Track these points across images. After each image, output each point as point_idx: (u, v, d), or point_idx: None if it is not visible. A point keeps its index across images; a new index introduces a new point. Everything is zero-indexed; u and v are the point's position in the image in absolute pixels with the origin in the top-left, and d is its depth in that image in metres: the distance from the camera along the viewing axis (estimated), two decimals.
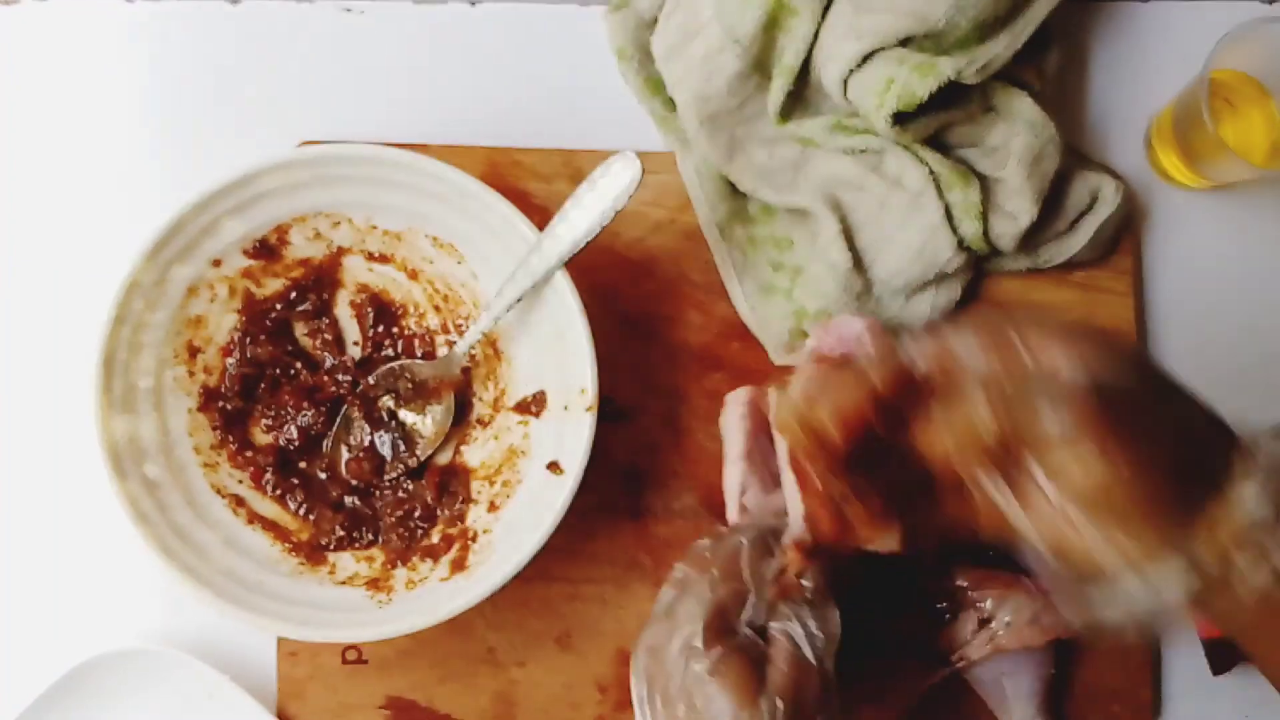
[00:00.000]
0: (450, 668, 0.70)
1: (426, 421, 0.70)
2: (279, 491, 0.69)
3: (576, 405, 0.65)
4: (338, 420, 0.70)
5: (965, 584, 0.67)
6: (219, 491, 0.68)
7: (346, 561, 0.68)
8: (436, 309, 0.71)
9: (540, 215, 0.69)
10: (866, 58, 0.66)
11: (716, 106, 0.70)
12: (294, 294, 0.70)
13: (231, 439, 0.69)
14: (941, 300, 0.72)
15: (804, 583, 0.58)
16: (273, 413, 0.70)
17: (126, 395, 0.65)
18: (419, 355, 0.71)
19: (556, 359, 0.67)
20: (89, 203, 0.74)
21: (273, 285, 0.70)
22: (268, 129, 0.74)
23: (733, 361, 0.73)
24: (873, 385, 0.48)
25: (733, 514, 0.66)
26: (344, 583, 0.67)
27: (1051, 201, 0.71)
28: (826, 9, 0.68)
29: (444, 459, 0.71)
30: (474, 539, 0.67)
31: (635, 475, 0.72)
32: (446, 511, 0.69)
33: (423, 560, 0.68)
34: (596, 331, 0.64)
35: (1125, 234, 0.74)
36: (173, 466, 0.66)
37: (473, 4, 0.76)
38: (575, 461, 0.64)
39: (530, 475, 0.67)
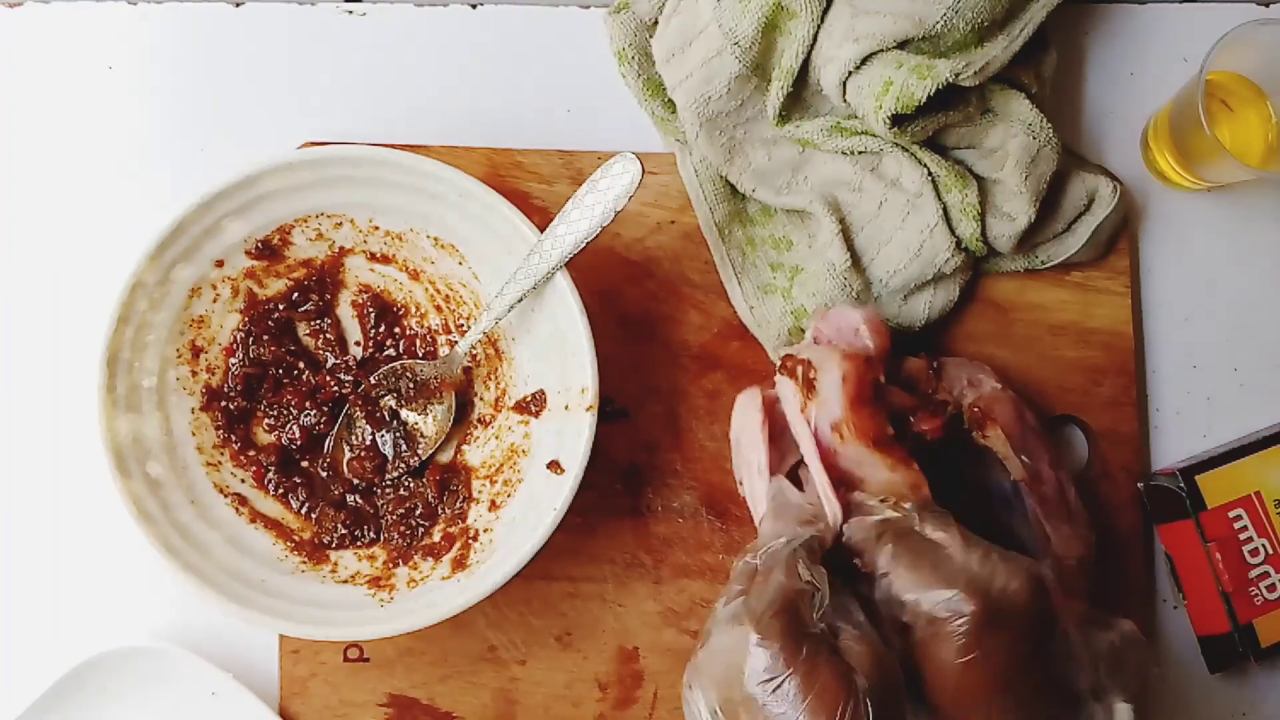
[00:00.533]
0: (451, 666, 0.71)
1: (428, 421, 0.71)
2: (281, 490, 0.69)
3: (577, 405, 0.65)
4: (340, 420, 0.71)
5: None
6: (221, 490, 0.68)
7: (348, 560, 0.68)
8: (438, 309, 0.72)
9: (541, 216, 0.69)
10: (865, 60, 0.67)
11: (716, 108, 0.70)
12: (296, 294, 0.71)
13: (234, 438, 0.69)
14: (939, 300, 0.72)
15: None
16: (275, 412, 0.71)
17: (130, 395, 0.65)
18: (420, 355, 0.72)
19: (557, 359, 0.67)
20: (92, 203, 0.74)
21: (275, 285, 0.70)
22: (270, 130, 0.74)
23: (732, 361, 0.73)
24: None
25: (765, 523, 0.64)
26: (346, 581, 0.67)
27: (1049, 202, 0.71)
28: (825, 11, 0.68)
29: (445, 458, 0.71)
30: (475, 538, 0.68)
31: (635, 474, 0.72)
32: (447, 510, 0.70)
33: (424, 559, 0.68)
34: (597, 331, 0.65)
35: (1122, 235, 0.75)
36: (175, 465, 0.66)
37: (474, 6, 0.76)
38: (576, 461, 0.64)
39: (531, 474, 0.68)
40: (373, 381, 0.71)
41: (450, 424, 0.71)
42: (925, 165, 0.69)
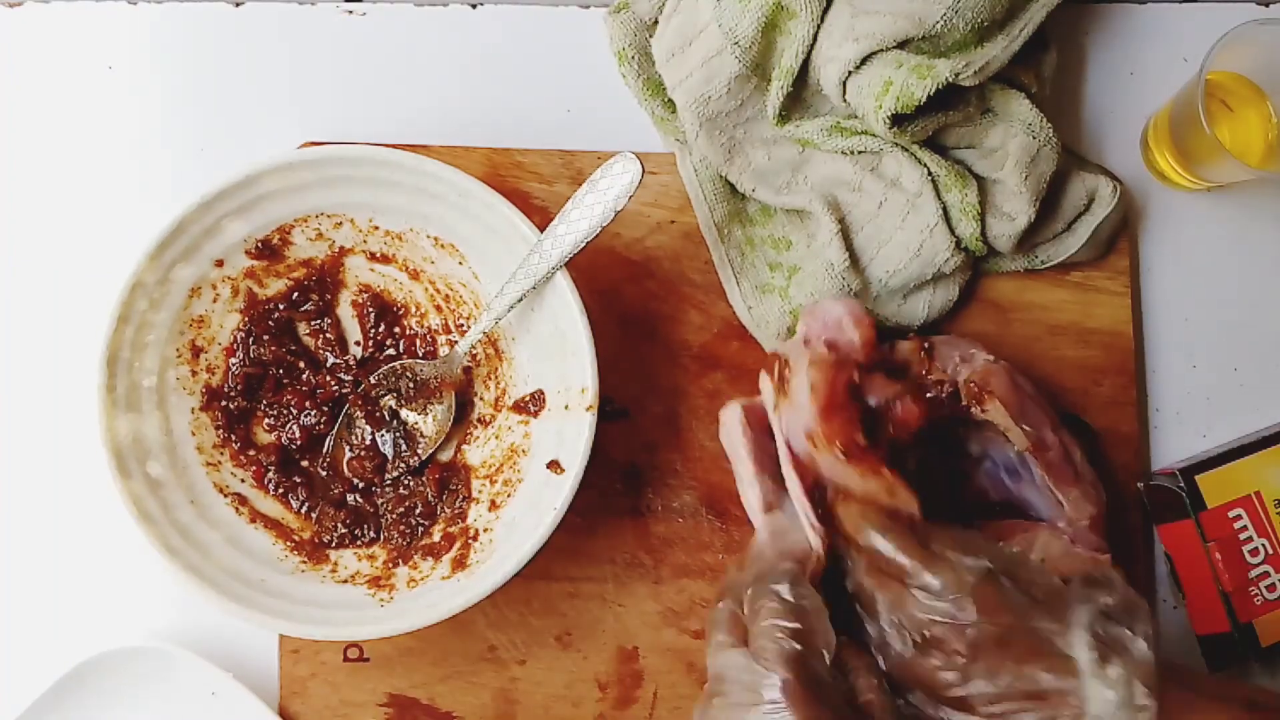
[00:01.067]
0: (451, 666, 0.71)
1: (428, 421, 0.71)
2: (281, 490, 0.69)
3: (577, 405, 0.65)
4: (340, 419, 0.71)
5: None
6: (221, 490, 0.68)
7: (348, 560, 0.68)
8: (438, 309, 0.72)
9: (541, 216, 0.69)
10: (865, 60, 0.67)
11: (716, 108, 0.70)
12: (296, 294, 0.71)
13: (234, 438, 0.69)
14: (939, 300, 0.72)
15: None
16: (275, 412, 0.71)
17: (130, 394, 0.65)
18: (420, 355, 0.72)
19: (557, 359, 0.67)
20: (92, 203, 0.74)
21: (275, 285, 0.70)
22: (270, 130, 0.74)
23: (732, 361, 0.73)
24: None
25: (762, 533, 0.63)
26: (346, 581, 0.67)
27: (1048, 202, 0.71)
28: (825, 11, 0.68)
29: (445, 457, 0.71)
30: (475, 537, 0.68)
31: (635, 474, 0.72)
32: (447, 510, 0.70)
33: (424, 559, 0.68)
34: (597, 331, 0.65)
35: (1122, 235, 0.75)
36: (175, 465, 0.67)
37: (474, 6, 0.76)
38: (575, 460, 0.64)
39: (531, 474, 0.68)
40: (373, 381, 0.71)
41: (450, 424, 0.71)
42: (925, 165, 0.69)
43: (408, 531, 0.69)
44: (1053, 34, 0.73)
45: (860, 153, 0.71)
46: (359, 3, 0.76)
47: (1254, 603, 0.70)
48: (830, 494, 0.61)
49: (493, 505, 0.68)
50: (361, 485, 0.70)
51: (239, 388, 0.69)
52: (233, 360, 0.70)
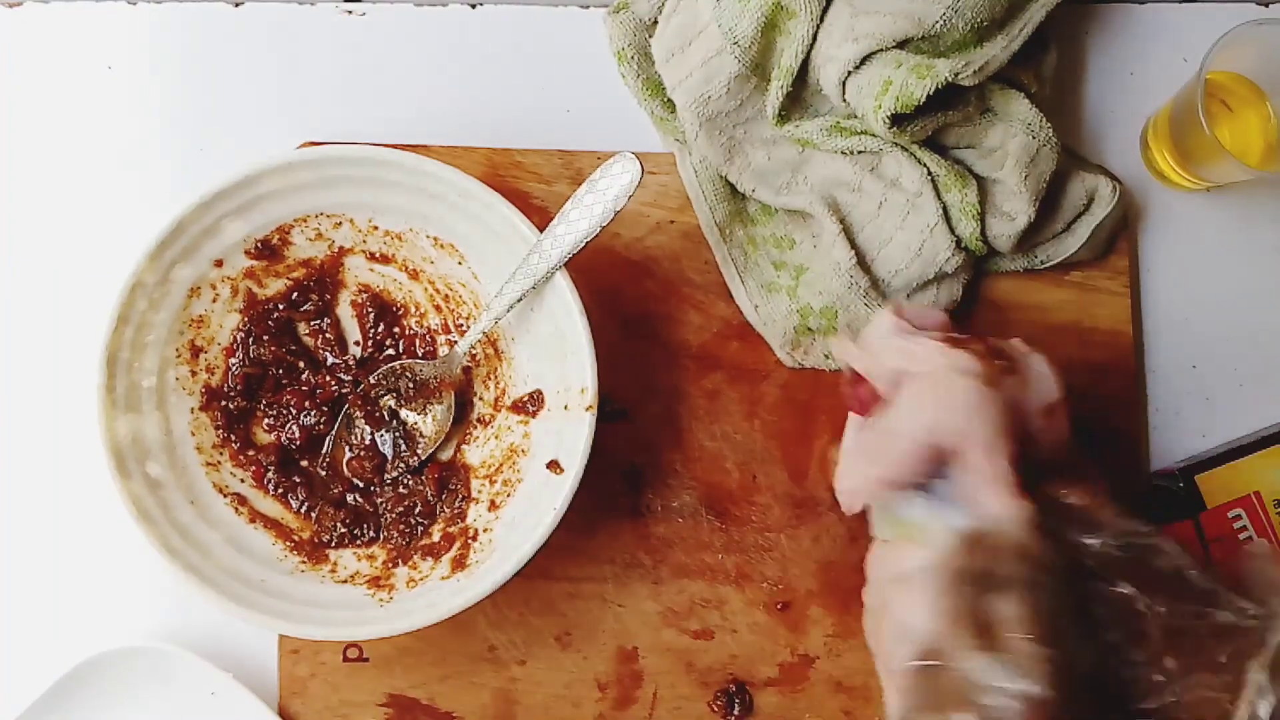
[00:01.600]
0: (451, 666, 0.71)
1: (427, 421, 0.71)
2: (281, 490, 0.69)
3: (576, 405, 0.65)
4: (339, 419, 0.71)
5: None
6: (221, 490, 0.68)
7: (348, 560, 0.68)
8: (437, 309, 0.72)
9: (540, 216, 0.69)
10: (864, 59, 0.67)
11: (716, 108, 0.70)
12: (296, 294, 0.71)
13: (234, 438, 0.69)
14: (942, 299, 0.72)
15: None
16: (275, 412, 0.71)
17: (129, 395, 0.65)
18: (420, 355, 0.72)
19: (557, 359, 0.67)
20: (91, 203, 0.74)
21: (275, 285, 0.70)
22: (269, 130, 0.74)
23: (732, 361, 0.73)
24: None
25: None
26: (345, 581, 0.67)
27: (1048, 202, 0.71)
28: (824, 11, 0.68)
29: (445, 457, 0.71)
30: (475, 537, 0.68)
31: (635, 474, 0.72)
32: (447, 510, 0.70)
33: (424, 559, 0.68)
34: (596, 331, 0.65)
35: (1121, 234, 0.75)
36: (175, 466, 0.67)
37: (474, 6, 0.76)
38: (575, 460, 0.64)
39: (530, 474, 0.68)
40: (372, 381, 0.71)
41: (450, 424, 0.71)
42: (925, 165, 0.69)
43: (407, 531, 0.69)
44: (1053, 34, 0.73)
45: (860, 153, 0.71)
46: (359, 3, 0.76)
47: None
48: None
49: (492, 505, 0.68)
50: (361, 485, 0.70)
51: (239, 388, 0.70)
52: (232, 360, 0.70)
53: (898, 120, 0.67)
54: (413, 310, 0.72)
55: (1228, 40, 0.68)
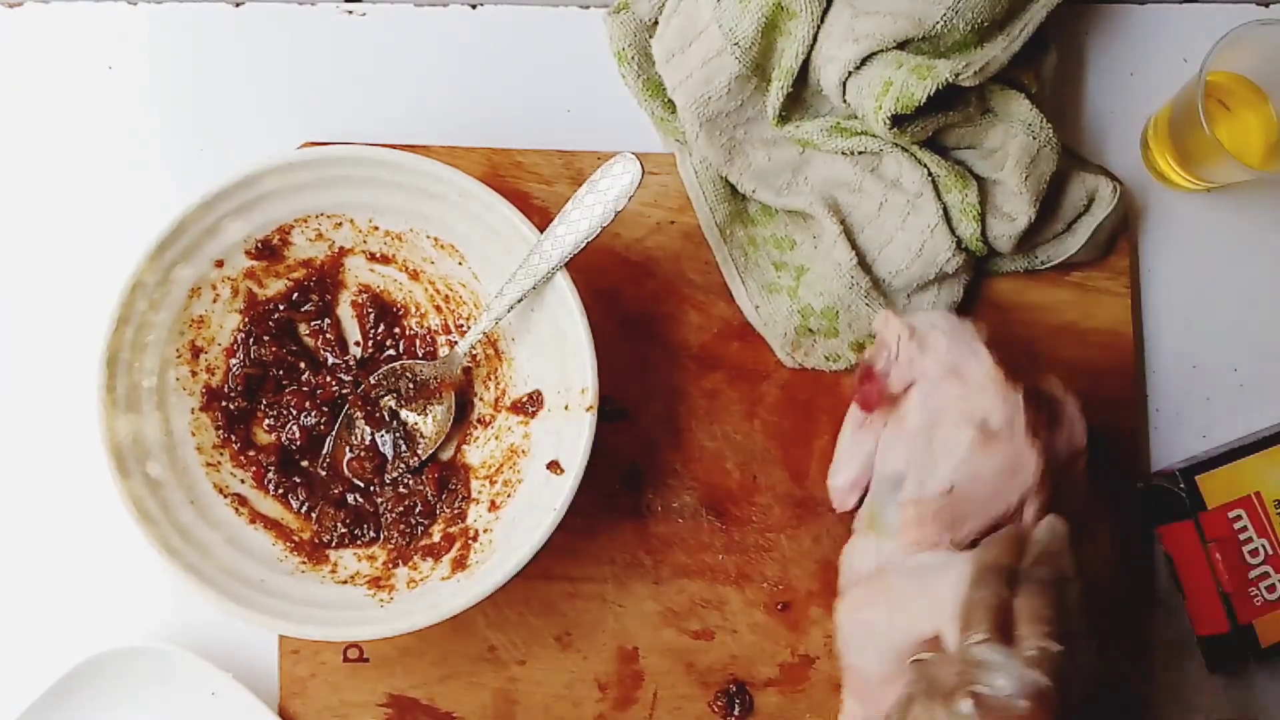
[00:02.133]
0: (451, 666, 0.71)
1: (428, 421, 0.71)
2: (281, 490, 0.69)
3: (577, 405, 0.65)
4: (339, 420, 0.71)
5: None
6: (221, 491, 0.68)
7: (348, 560, 0.68)
8: (438, 309, 0.72)
9: (541, 216, 0.69)
10: (865, 60, 0.67)
11: (716, 108, 0.70)
12: (296, 294, 0.71)
13: (234, 438, 0.69)
14: (944, 300, 0.72)
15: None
16: (275, 412, 0.71)
17: (130, 395, 0.65)
18: (420, 355, 0.72)
19: (557, 359, 0.67)
20: (92, 204, 0.74)
21: (275, 286, 0.70)
22: (270, 130, 0.74)
23: (732, 361, 0.73)
24: None
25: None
26: (345, 581, 0.67)
27: (1049, 203, 0.71)
28: (825, 12, 0.68)
29: (445, 457, 0.71)
30: (475, 538, 0.68)
31: (635, 474, 0.72)
32: (447, 510, 0.70)
33: (424, 559, 0.68)
34: (596, 331, 0.65)
35: (1122, 235, 0.75)
36: (175, 466, 0.66)
37: (474, 6, 0.76)
38: (575, 461, 0.64)
39: (531, 474, 0.68)
40: (372, 382, 0.71)
41: (450, 424, 0.71)
42: (925, 165, 0.69)
43: (407, 531, 0.69)
44: (1053, 34, 0.73)
45: (860, 153, 0.71)
46: (359, 3, 0.76)
47: (1254, 603, 0.70)
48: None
49: (492, 506, 0.68)
50: (361, 485, 0.70)
51: (239, 388, 0.69)
52: (233, 360, 0.70)
53: (898, 121, 0.67)
54: (413, 310, 0.72)
55: (1228, 40, 0.68)
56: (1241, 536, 0.70)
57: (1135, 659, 0.72)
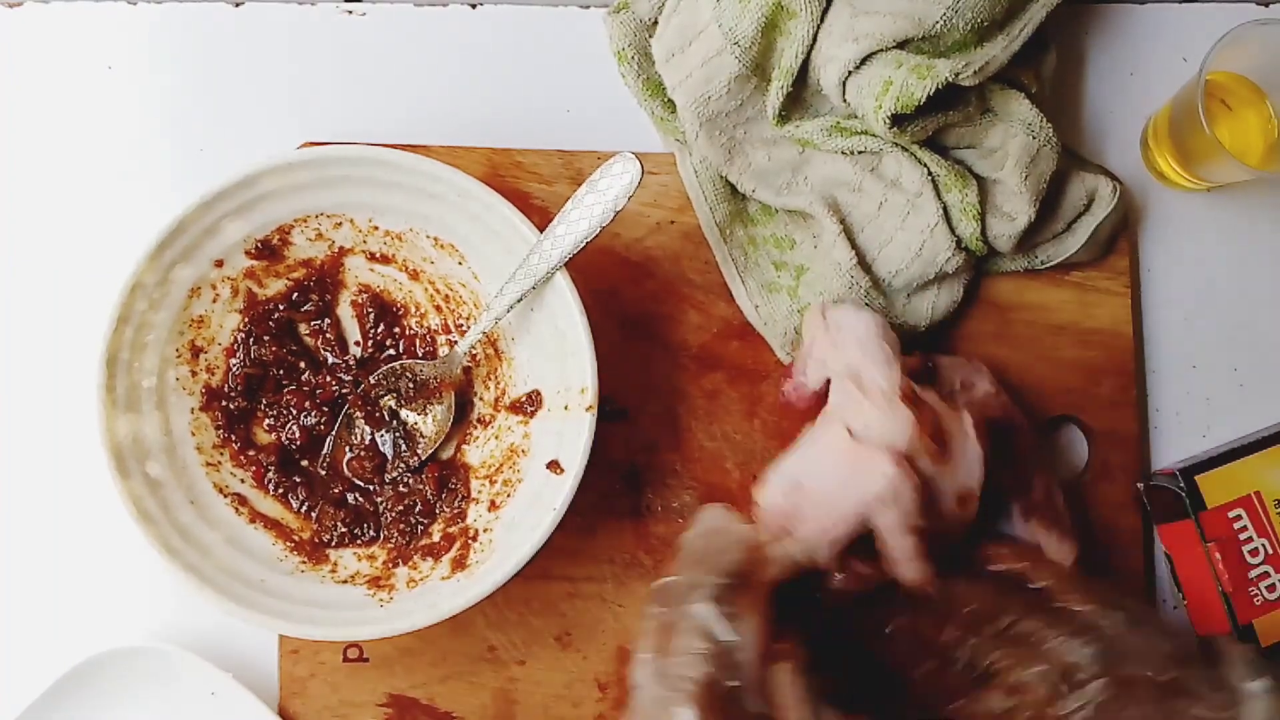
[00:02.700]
0: (451, 666, 0.71)
1: (427, 421, 0.71)
2: (281, 490, 0.69)
3: (576, 405, 0.65)
4: (339, 419, 0.71)
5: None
6: (221, 490, 0.68)
7: (348, 560, 0.68)
8: (437, 309, 0.72)
9: (541, 216, 0.69)
10: (865, 60, 0.67)
11: (716, 108, 0.70)
12: (296, 294, 0.71)
13: (234, 438, 0.69)
14: (943, 300, 0.72)
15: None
16: (275, 412, 0.71)
17: (129, 395, 0.65)
18: (420, 355, 0.72)
19: (557, 359, 0.67)
20: (92, 204, 0.74)
21: (275, 286, 0.70)
22: (269, 130, 0.74)
23: (732, 361, 0.73)
24: None
25: (701, 527, 0.63)
26: (345, 581, 0.67)
27: (1049, 202, 0.71)
28: (825, 11, 0.68)
29: (445, 456, 0.71)
30: (475, 538, 0.68)
31: (635, 474, 0.72)
32: (447, 509, 0.70)
33: (424, 559, 0.68)
34: (596, 331, 0.65)
35: (1122, 235, 0.75)
36: (175, 466, 0.66)
37: (474, 6, 0.76)
38: (575, 460, 0.64)
39: (530, 474, 0.68)
40: (372, 381, 0.71)
41: (450, 424, 0.71)
42: (925, 165, 0.69)
43: (407, 530, 0.69)
44: (1053, 34, 0.73)
45: (860, 153, 0.71)
46: (359, 3, 0.76)
47: (1254, 603, 0.70)
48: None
49: (492, 505, 0.68)
50: (361, 485, 0.71)
51: (239, 388, 0.69)
52: (233, 360, 0.70)
53: (898, 120, 0.67)
54: (413, 310, 0.72)
55: (1228, 40, 0.68)
56: (1241, 536, 0.70)
57: None
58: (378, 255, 0.71)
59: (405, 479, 0.71)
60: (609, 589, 0.71)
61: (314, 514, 0.70)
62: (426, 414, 0.71)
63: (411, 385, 0.71)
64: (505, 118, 0.75)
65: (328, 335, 0.72)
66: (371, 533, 0.70)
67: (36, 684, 0.67)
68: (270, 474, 0.69)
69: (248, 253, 0.68)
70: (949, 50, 0.68)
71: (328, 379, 0.71)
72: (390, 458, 0.71)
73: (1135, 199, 0.76)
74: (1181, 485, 0.70)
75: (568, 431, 0.65)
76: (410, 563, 0.68)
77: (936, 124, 0.69)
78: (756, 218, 0.74)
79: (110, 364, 0.64)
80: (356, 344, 0.72)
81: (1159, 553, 0.74)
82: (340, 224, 0.69)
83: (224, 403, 0.69)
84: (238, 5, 0.75)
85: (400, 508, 0.70)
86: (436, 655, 0.71)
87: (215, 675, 0.68)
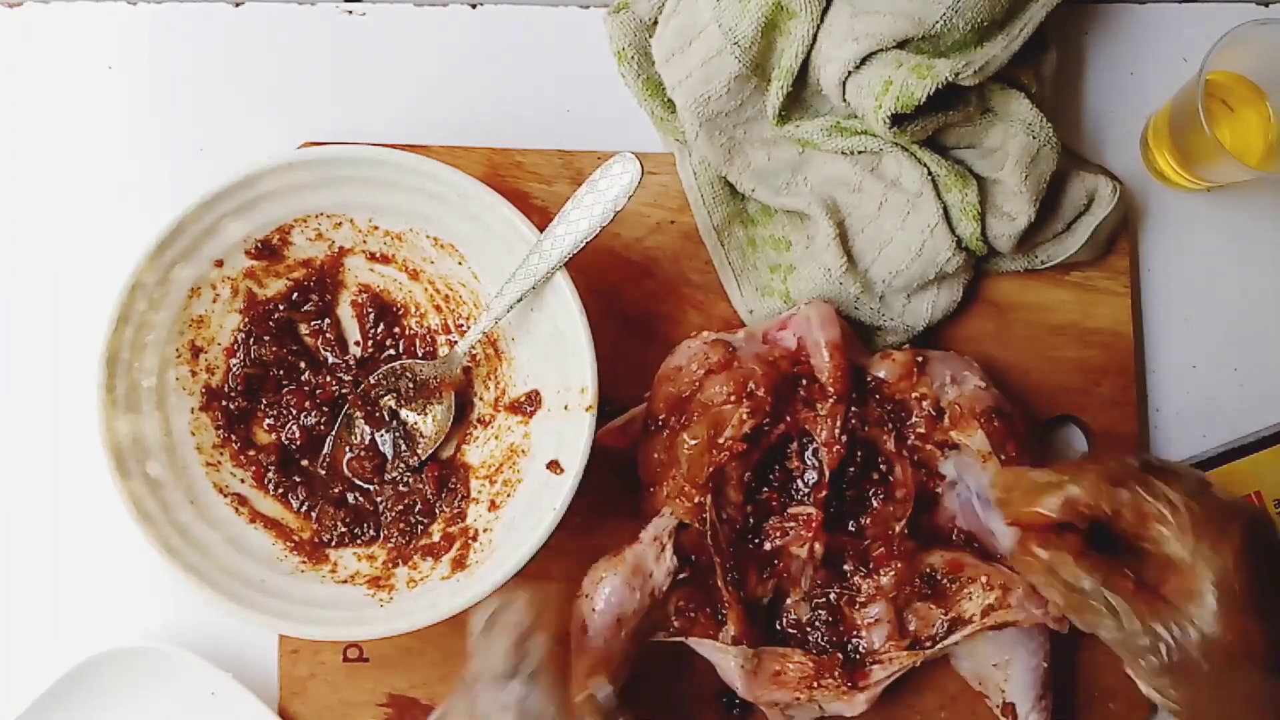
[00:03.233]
0: (451, 666, 0.71)
1: (427, 421, 0.71)
2: (281, 490, 0.69)
3: (576, 405, 0.65)
4: (339, 419, 0.71)
5: (942, 567, 0.68)
6: (221, 490, 0.68)
7: (348, 560, 0.68)
8: (437, 309, 0.72)
9: (540, 216, 0.69)
10: (865, 59, 0.67)
11: (716, 108, 0.70)
12: (296, 294, 0.71)
13: (234, 438, 0.69)
14: (943, 300, 0.72)
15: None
16: (275, 412, 0.71)
17: (129, 395, 0.65)
18: (420, 355, 0.72)
19: (557, 359, 0.67)
20: (91, 203, 0.74)
21: (275, 286, 0.70)
22: (270, 130, 0.74)
23: None
24: None
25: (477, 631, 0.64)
26: (345, 581, 0.67)
27: (1049, 202, 0.71)
28: (825, 11, 0.68)
29: (445, 456, 0.71)
30: (475, 538, 0.68)
31: (635, 474, 0.72)
32: (446, 509, 0.70)
33: (424, 559, 0.68)
34: (596, 331, 0.65)
35: (1122, 235, 0.74)
36: (175, 466, 0.67)
37: (474, 6, 0.76)
38: (575, 460, 0.64)
39: (530, 474, 0.68)
40: (372, 381, 0.71)
41: (450, 424, 0.71)
42: (925, 165, 0.69)
43: (407, 530, 0.69)
44: (1053, 34, 0.73)
45: (860, 153, 0.71)
46: (359, 3, 0.76)
47: None
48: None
49: (492, 505, 0.68)
50: (361, 485, 0.71)
51: (239, 388, 0.69)
52: (233, 360, 0.70)
53: (898, 120, 0.67)
54: (413, 310, 0.72)
55: (1228, 40, 0.68)
56: None
57: None
58: (378, 255, 0.71)
59: (405, 479, 0.71)
60: None
61: (314, 514, 0.70)
62: (426, 414, 0.71)
63: (411, 385, 0.71)
64: (505, 118, 0.75)
65: (328, 335, 0.72)
66: (371, 532, 0.70)
67: (36, 684, 0.67)
68: (270, 474, 0.69)
69: (248, 253, 0.68)
70: (949, 50, 0.68)
71: (328, 379, 0.71)
72: (390, 457, 0.71)
73: (1135, 199, 0.76)
74: None
75: (568, 431, 0.65)
76: (410, 563, 0.68)
77: (936, 124, 0.69)
78: (756, 218, 0.74)
79: (110, 364, 0.64)
80: (356, 344, 0.72)
81: None
82: (340, 224, 0.69)
83: (224, 403, 0.69)
84: (238, 5, 0.75)
85: (400, 507, 0.70)
86: (436, 655, 0.71)
87: (215, 675, 0.68)
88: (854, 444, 0.67)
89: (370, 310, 0.71)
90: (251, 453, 0.70)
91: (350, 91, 0.75)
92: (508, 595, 0.60)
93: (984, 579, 0.66)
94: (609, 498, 0.71)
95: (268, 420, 0.71)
